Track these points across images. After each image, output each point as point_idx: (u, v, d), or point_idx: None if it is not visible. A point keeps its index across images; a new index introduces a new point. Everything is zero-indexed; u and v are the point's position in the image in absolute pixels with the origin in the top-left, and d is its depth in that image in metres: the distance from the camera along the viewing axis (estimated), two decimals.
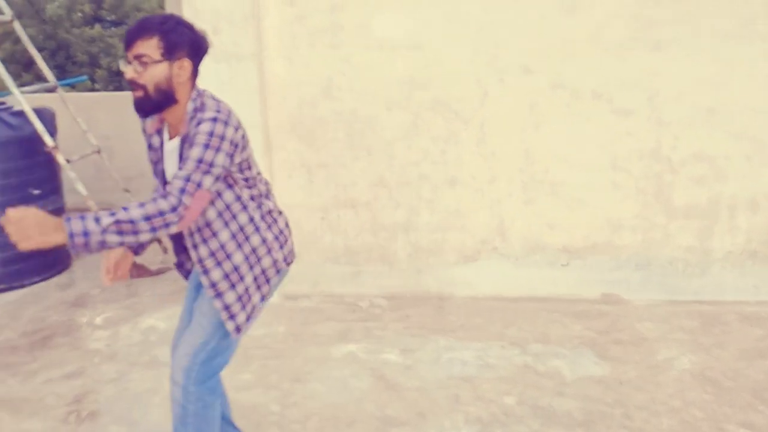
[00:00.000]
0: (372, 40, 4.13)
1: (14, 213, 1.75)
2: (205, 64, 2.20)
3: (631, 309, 4.10)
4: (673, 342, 3.66)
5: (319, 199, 4.36)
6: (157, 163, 2.23)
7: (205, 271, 2.17)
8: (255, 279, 2.24)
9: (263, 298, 2.29)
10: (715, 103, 3.99)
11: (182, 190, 1.93)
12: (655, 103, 4.03)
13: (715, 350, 3.56)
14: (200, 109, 2.06)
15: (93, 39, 13.76)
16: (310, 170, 4.33)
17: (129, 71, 2.02)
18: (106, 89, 13.13)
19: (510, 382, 3.31)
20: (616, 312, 4.06)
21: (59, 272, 5.02)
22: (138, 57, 2.00)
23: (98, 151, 5.18)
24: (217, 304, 2.18)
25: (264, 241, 2.24)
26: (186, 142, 2.06)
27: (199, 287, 2.37)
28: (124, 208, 1.86)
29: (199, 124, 2.00)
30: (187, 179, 1.95)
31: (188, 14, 3.87)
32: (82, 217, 1.80)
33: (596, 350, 3.60)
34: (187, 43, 2.05)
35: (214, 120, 2.00)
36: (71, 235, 1.77)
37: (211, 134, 1.98)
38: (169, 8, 6.35)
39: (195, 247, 2.15)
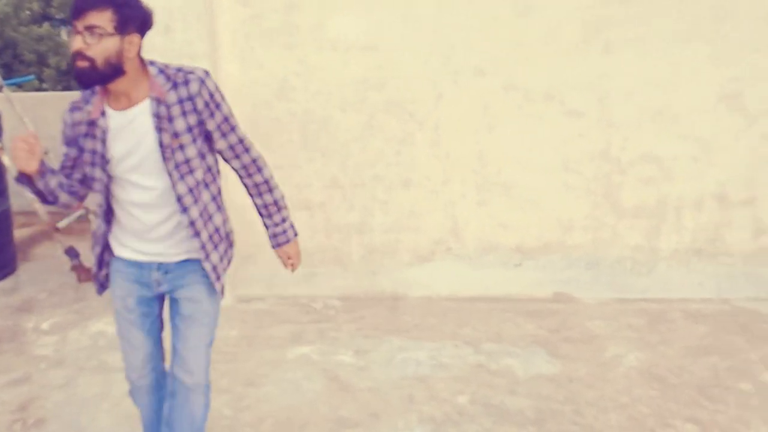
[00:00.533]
0: (327, 41, 4.12)
1: (293, 255, 2.43)
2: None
3: (581, 307, 4.17)
4: (621, 340, 3.74)
5: None
6: (99, 148, 2.09)
7: (197, 234, 2.16)
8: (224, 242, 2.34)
9: (229, 262, 2.35)
10: (663, 105, 4.09)
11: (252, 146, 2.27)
12: (605, 104, 4.11)
13: (661, 347, 3.65)
14: (167, 67, 2.08)
15: (41, 37, 13.40)
16: None
17: (78, 42, 1.91)
18: (54, 89, 12.80)
19: (463, 382, 3.34)
20: (567, 310, 4.13)
21: (4, 277, 4.88)
22: (90, 28, 1.90)
23: (46, 152, 5.04)
24: (207, 266, 2.20)
25: (225, 208, 2.35)
26: (182, 102, 2.05)
27: (149, 312, 2.32)
28: (269, 190, 2.32)
29: (202, 82, 2.06)
30: (244, 138, 2.23)
31: None
32: (284, 220, 2.37)
33: (548, 349, 3.66)
34: (139, 18, 1.99)
35: (208, 73, 2.10)
36: (296, 234, 2.43)
37: (217, 89, 2.11)
38: None
39: (185, 210, 2.13)
